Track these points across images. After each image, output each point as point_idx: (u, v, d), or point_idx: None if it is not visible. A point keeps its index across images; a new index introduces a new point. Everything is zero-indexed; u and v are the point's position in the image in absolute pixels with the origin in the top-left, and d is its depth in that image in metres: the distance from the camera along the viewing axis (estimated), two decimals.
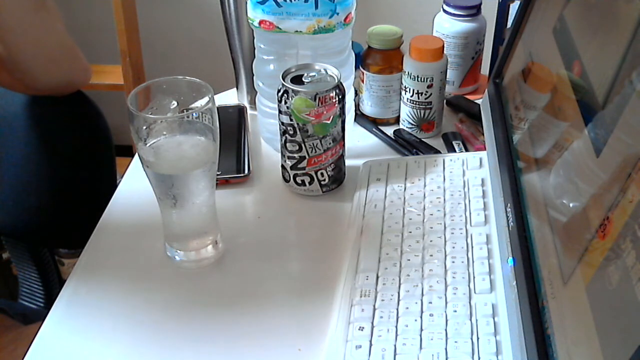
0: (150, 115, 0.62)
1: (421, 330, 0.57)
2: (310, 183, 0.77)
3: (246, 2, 0.78)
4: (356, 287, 0.63)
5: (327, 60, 0.76)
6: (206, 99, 0.63)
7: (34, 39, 0.77)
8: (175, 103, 0.63)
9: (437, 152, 0.85)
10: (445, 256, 0.65)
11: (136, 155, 0.81)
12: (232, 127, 0.89)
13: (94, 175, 0.94)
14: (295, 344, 0.60)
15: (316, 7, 0.74)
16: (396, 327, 0.58)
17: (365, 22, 0.89)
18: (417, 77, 0.84)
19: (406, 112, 0.88)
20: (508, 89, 0.73)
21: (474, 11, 0.93)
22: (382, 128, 0.90)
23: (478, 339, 0.56)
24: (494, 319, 0.58)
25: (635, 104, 0.43)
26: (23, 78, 0.80)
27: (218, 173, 0.72)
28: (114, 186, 0.82)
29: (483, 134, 0.79)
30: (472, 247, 0.65)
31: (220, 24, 0.90)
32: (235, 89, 0.97)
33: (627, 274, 0.39)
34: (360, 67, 0.89)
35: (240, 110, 0.92)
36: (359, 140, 0.89)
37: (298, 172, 0.76)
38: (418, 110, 0.87)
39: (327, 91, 0.70)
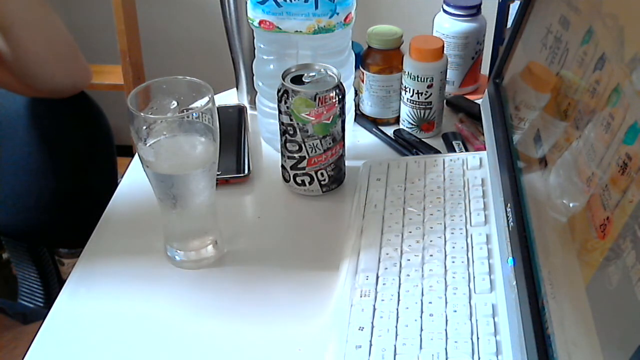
0: (150, 115, 0.62)
1: (421, 330, 0.57)
2: (310, 183, 0.77)
3: (246, 2, 0.78)
4: (356, 287, 0.63)
5: (327, 60, 0.76)
6: (206, 99, 0.63)
7: (41, 34, 0.77)
8: (175, 103, 0.63)
9: (437, 152, 0.85)
10: (445, 256, 0.65)
11: (136, 155, 0.81)
12: (232, 127, 0.89)
13: (95, 175, 0.94)
14: (295, 344, 0.60)
15: (316, 7, 0.74)
16: (396, 327, 0.58)
17: (365, 22, 0.89)
18: (417, 77, 0.84)
19: (406, 112, 0.88)
20: (508, 89, 0.73)
21: (474, 11, 0.93)
22: (382, 128, 0.90)
23: (478, 339, 0.56)
24: (494, 319, 0.58)
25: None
26: (28, 79, 0.80)
27: (218, 173, 0.72)
28: (114, 186, 0.82)
29: (483, 134, 0.79)
30: (472, 247, 0.65)
31: (220, 24, 0.90)
32: (235, 89, 0.97)
33: (627, 274, 0.39)
34: (360, 67, 0.89)
35: (240, 110, 0.92)
36: (359, 140, 0.89)
37: (298, 172, 0.76)
38: (418, 110, 0.87)
39: (327, 91, 0.70)
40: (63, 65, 0.81)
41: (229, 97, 0.98)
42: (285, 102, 0.71)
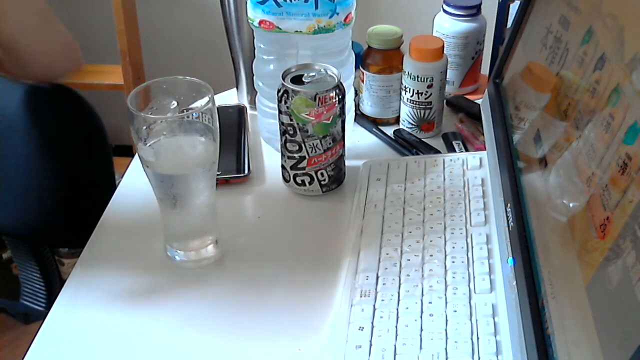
0: (150, 115, 0.62)
1: (421, 330, 0.57)
2: (310, 183, 0.77)
3: (246, 2, 0.78)
4: (356, 287, 0.63)
5: (327, 60, 0.76)
6: (206, 99, 0.63)
7: (40, 45, 0.78)
8: (175, 103, 0.63)
9: (437, 152, 0.85)
10: (445, 256, 0.65)
11: (136, 155, 0.81)
12: (232, 127, 0.89)
13: (93, 175, 0.94)
14: (295, 344, 0.60)
15: (316, 7, 0.74)
16: (396, 327, 0.58)
17: (365, 22, 0.89)
18: (417, 77, 0.84)
19: (406, 112, 0.88)
20: (508, 89, 0.73)
21: (474, 11, 0.93)
22: (382, 128, 0.90)
23: (478, 339, 0.56)
24: (494, 319, 0.58)
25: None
26: (25, 77, 0.80)
27: (218, 173, 0.72)
28: (112, 186, 0.82)
29: (483, 134, 0.79)
30: (472, 247, 0.65)
31: (220, 24, 0.90)
32: (235, 89, 0.97)
33: (627, 274, 0.39)
34: (360, 67, 0.89)
35: (240, 110, 0.92)
36: (359, 140, 0.89)
37: (298, 172, 0.76)
38: (418, 110, 0.87)
39: (327, 91, 0.70)
40: (60, 62, 0.82)
41: (229, 97, 0.98)
42: (285, 102, 0.71)
